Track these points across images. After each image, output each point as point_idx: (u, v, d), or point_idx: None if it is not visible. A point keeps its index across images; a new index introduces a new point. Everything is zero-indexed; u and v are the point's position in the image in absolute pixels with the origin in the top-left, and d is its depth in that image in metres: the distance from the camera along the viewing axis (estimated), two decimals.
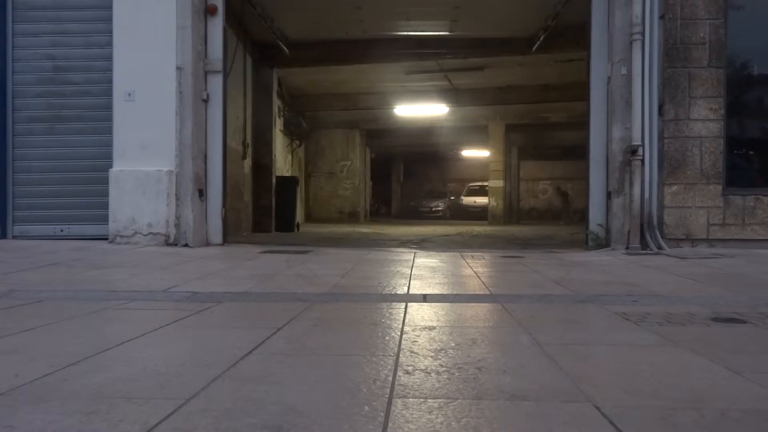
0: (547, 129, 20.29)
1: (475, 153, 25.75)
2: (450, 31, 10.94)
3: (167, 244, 6.22)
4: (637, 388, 1.65)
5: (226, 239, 6.75)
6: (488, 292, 3.46)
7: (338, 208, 19.57)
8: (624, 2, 6.13)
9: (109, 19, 6.39)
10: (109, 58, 6.42)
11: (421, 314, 2.73)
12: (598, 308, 2.93)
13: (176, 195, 6.27)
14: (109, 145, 6.41)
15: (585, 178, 6.75)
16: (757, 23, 6.44)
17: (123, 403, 1.50)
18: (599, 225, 6.48)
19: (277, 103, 12.97)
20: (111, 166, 6.35)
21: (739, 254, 5.57)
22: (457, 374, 1.76)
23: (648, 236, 6.02)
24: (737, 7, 6.32)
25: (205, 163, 6.60)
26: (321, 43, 11.37)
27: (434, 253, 6.24)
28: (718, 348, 2.12)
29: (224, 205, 6.74)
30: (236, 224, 9.62)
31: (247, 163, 10.95)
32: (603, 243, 6.38)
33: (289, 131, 15.33)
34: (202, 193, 6.51)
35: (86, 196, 6.63)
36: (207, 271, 4.39)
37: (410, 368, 1.82)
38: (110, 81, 6.40)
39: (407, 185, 30.75)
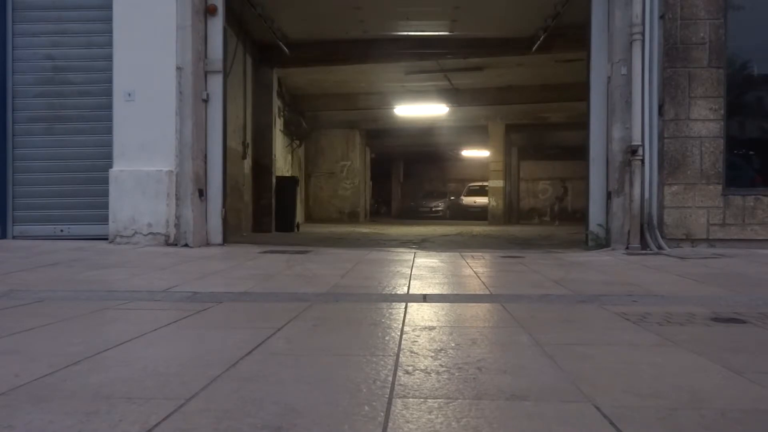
0: (547, 129, 20.28)
1: (475, 153, 25.75)
2: (450, 31, 10.94)
3: (167, 244, 6.22)
4: (637, 388, 1.65)
5: (226, 239, 6.75)
6: (488, 292, 3.46)
7: (338, 208, 19.56)
8: (624, 2, 6.13)
9: (109, 19, 6.38)
10: (109, 58, 6.41)
11: (421, 314, 2.73)
12: (598, 308, 2.93)
13: (176, 195, 6.27)
14: (109, 145, 6.40)
15: (585, 178, 6.75)
16: (757, 23, 6.43)
17: (123, 403, 1.50)
18: (599, 225, 6.48)
19: (277, 103, 12.97)
20: (111, 166, 6.35)
21: (739, 254, 5.57)
22: (457, 374, 1.76)
23: (648, 236, 6.02)
24: (737, 7, 6.32)
25: (205, 163, 6.60)
26: (321, 43, 11.37)
27: (434, 253, 6.24)
28: (718, 348, 2.12)
29: (224, 205, 6.74)
30: (236, 224, 9.62)
31: (247, 163, 10.95)
32: (603, 243, 6.37)
33: (289, 131, 15.33)
34: (202, 193, 6.51)
35: (86, 196, 6.62)
36: (207, 271, 4.39)
37: (410, 368, 1.82)
38: (110, 81, 6.39)
39: (407, 185, 30.75)
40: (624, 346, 2.17)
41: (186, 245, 6.23)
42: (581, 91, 7.22)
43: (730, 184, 6.21)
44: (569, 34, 9.37)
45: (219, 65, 6.64)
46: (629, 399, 1.56)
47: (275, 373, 1.78)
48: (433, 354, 2.00)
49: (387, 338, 2.24)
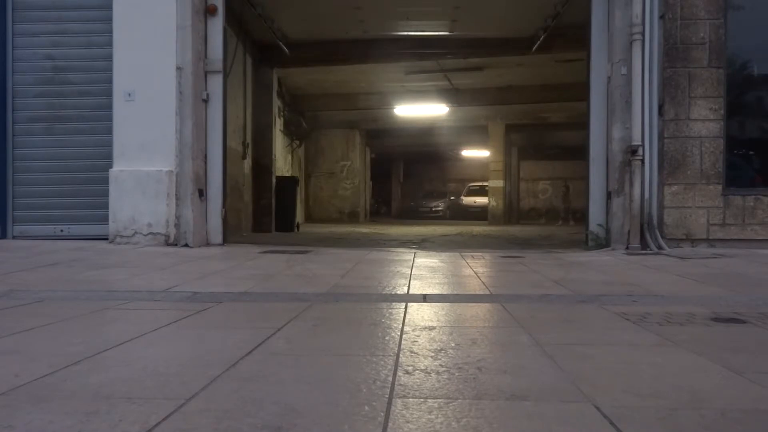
0: (547, 129, 20.29)
1: (475, 153, 25.75)
2: (450, 31, 10.94)
3: (167, 244, 6.22)
4: (637, 388, 1.65)
5: (226, 239, 6.75)
6: (488, 292, 3.46)
7: (338, 208, 19.57)
8: (624, 2, 6.13)
9: (109, 19, 6.38)
10: (109, 58, 6.41)
11: (421, 314, 2.73)
12: (598, 308, 2.93)
13: (176, 195, 6.27)
14: (109, 145, 6.40)
15: (585, 178, 6.75)
16: (757, 23, 6.43)
17: (123, 403, 1.50)
18: (599, 225, 6.48)
19: (277, 103, 12.97)
20: (111, 166, 6.35)
21: (739, 254, 5.57)
22: (457, 374, 1.76)
23: (648, 236, 6.02)
24: (737, 7, 6.32)
25: (205, 163, 6.60)
26: (321, 43, 11.37)
27: (434, 253, 6.24)
28: (718, 348, 2.12)
29: (224, 205, 6.74)
30: (236, 224, 9.62)
31: (247, 163, 10.95)
32: (603, 243, 6.37)
33: (289, 131, 15.33)
34: (202, 193, 6.51)
35: (86, 196, 6.62)
36: (207, 271, 4.39)
37: (410, 368, 1.82)
38: (110, 81, 6.39)
39: (407, 185, 30.75)
40: (624, 346, 2.17)
41: (186, 245, 6.23)
42: (581, 91, 7.23)
43: (730, 184, 6.21)
44: (569, 34, 9.37)
45: (219, 65, 6.64)
46: (629, 399, 1.56)
47: (275, 373, 1.78)
48: (433, 354, 2.00)
49: (387, 338, 2.24)
